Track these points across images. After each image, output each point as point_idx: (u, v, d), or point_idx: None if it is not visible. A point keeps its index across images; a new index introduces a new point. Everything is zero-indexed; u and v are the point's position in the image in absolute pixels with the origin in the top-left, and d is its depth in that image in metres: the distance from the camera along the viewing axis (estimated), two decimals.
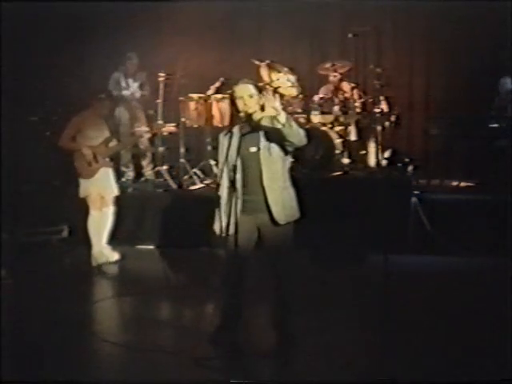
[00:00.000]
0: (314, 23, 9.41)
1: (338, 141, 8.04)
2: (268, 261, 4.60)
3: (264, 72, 8.14)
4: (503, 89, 8.06)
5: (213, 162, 8.06)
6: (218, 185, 4.59)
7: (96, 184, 6.82)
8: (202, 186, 8.08)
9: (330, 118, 8.14)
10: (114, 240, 7.06)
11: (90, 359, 4.66)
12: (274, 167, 4.48)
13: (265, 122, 4.50)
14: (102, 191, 6.86)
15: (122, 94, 8.49)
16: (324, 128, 8.09)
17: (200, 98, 8.21)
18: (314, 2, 8.96)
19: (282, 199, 4.50)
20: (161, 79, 8.22)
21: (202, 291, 5.85)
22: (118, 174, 7.80)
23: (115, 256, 6.91)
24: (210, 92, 8.29)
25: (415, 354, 4.51)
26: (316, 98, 8.27)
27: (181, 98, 8.26)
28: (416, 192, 7.39)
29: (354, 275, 6.36)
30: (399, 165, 7.98)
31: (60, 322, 5.08)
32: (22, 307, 5.43)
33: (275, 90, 7.75)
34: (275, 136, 4.43)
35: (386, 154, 8.06)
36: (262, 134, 4.48)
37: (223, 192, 4.50)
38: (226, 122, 7.92)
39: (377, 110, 8.03)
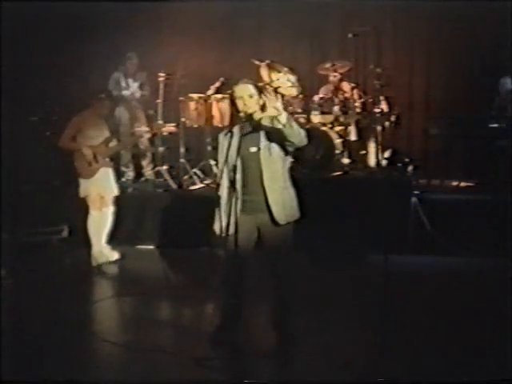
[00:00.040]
0: (314, 23, 9.41)
1: (338, 141, 8.04)
2: (268, 261, 4.60)
3: (264, 72, 8.14)
4: (503, 89, 8.06)
5: (213, 162, 8.05)
6: (218, 185, 4.59)
7: (96, 184, 6.82)
8: (202, 186, 8.08)
9: (330, 117, 8.14)
10: (114, 240, 7.06)
11: (89, 359, 4.66)
12: (274, 167, 4.48)
13: (265, 122, 4.50)
14: (101, 191, 6.86)
15: (121, 93, 8.48)
16: (324, 128, 8.08)
17: (200, 97, 8.21)
18: (314, 2, 8.96)
19: (282, 199, 4.50)
20: (161, 79, 8.21)
21: (201, 291, 5.84)
22: (118, 174, 7.79)
23: (115, 256, 6.91)
24: (210, 92, 8.29)
25: (415, 354, 4.50)
26: (316, 97, 8.26)
27: (181, 98, 8.25)
28: (416, 192, 7.39)
29: (354, 275, 6.35)
30: (399, 165, 7.96)
31: (60, 322, 5.08)
32: (22, 307, 5.43)
33: (275, 90, 7.75)
34: (275, 136, 4.43)
35: (386, 154, 8.06)
36: (262, 134, 4.49)
37: (223, 192, 4.50)
38: (226, 122, 7.91)
39: (377, 110, 8.03)
